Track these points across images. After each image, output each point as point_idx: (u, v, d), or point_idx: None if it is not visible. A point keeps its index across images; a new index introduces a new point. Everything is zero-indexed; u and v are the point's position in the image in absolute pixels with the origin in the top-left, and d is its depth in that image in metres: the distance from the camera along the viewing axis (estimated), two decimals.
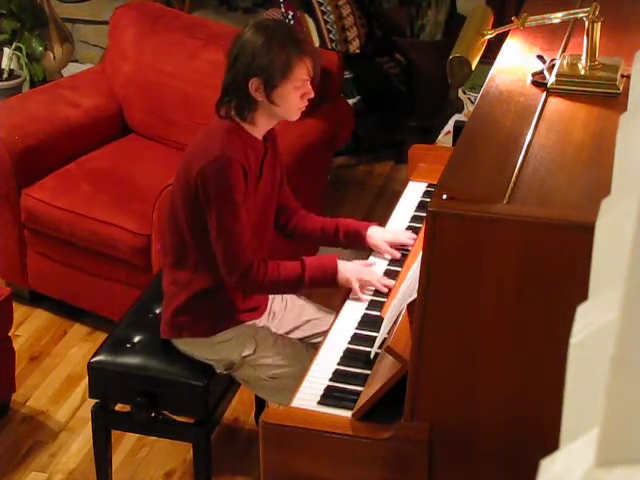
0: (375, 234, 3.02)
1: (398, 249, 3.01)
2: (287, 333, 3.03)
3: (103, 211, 3.82)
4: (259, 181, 2.85)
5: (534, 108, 2.45)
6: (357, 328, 2.75)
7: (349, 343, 2.69)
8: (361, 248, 3.06)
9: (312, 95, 2.81)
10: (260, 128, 2.83)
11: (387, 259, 3.01)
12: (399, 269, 2.91)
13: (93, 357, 3.04)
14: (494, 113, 2.46)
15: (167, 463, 3.44)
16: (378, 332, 2.64)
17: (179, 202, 2.84)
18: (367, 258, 3.03)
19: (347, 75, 4.99)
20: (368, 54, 5.22)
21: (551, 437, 1.13)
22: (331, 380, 2.53)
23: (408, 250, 2.97)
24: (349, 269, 2.87)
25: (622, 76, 2.52)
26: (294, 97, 2.77)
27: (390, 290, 2.82)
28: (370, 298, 2.84)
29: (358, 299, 2.84)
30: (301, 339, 3.02)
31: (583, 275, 1.23)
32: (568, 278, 2.01)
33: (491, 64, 2.70)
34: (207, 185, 2.74)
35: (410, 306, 2.37)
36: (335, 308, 2.90)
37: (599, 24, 2.50)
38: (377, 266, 2.97)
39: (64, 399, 3.71)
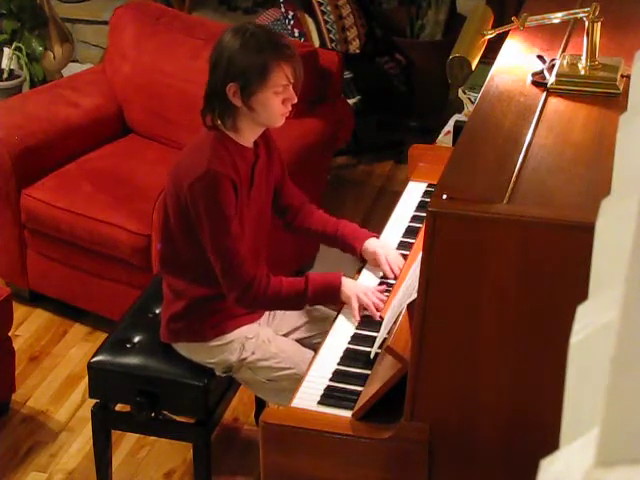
0: (371, 245, 2.95)
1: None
2: (287, 334, 3.02)
3: (103, 211, 3.82)
4: (251, 189, 2.82)
5: (534, 108, 2.45)
6: (357, 328, 2.75)
7: (349, 343, 2.69)
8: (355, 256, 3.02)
9: (295, 100, 2.75)
10: (246, 136, 2.79)
11: (379, 277, 2.95)
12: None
13: (93, 357, 3.04)
14: (494, 113, 2.46)
15: (167, 463, 3.44)
16: (378, 332, 2.64)
17: (172, 214, 2.82)
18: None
19: (347, 75, 4.99)
20: (368, 54, 5.22)
21: (551, 437, 1.13)
22: (331, 380, 2.53)
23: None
24: (352, 287, 2.82)
25: (622, 76, 2.52)
26: (275, 103, 2.71)
27: (385, 303, 2.77)
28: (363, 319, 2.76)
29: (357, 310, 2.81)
30: (302, 340, 3.02)
31: (583, 275, 1.23)
32: (568, 278, 2.01)
33: (491, 64, 2.70)
34: (197, 202, 2.71)
35: (410, 306, 2.37)
36: (335, 308, 2.90)
37: (599, 24, 2.50)
38: (373, 283, 2.90)
39: (64, 399, 3.71)
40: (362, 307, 2.79)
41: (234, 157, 2.75)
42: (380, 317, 2.74)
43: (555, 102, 2.50)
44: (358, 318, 2.76)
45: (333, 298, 2.85)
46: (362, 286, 2.85)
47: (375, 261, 2.95)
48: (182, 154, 2.86)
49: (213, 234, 2.72)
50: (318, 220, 3.06)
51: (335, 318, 2.82)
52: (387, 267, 2.92)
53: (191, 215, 2.74)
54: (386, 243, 3.02)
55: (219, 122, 2.76)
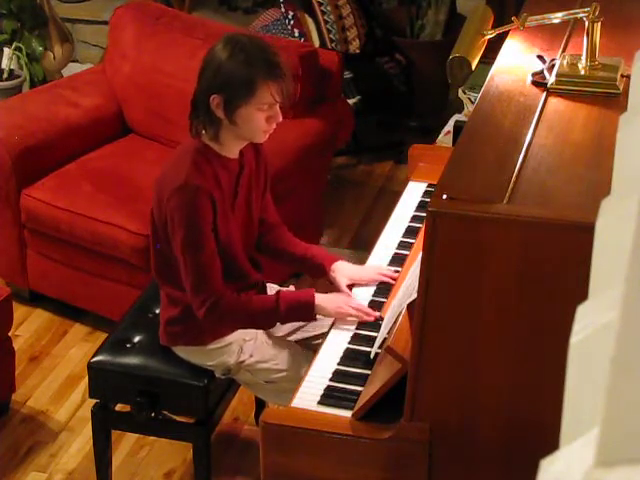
0: (339, 269, 2.93)
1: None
2: (287, 335, 3.02)
3: (103, 211, 3.82)
4: (235, 200, 2.79)
5: (534, 108, 2.45)
6: (357, 328, 2.75)
7: (349, 343, 2.69)
8: (325, 279, 2.99)
9: (280, 119, 2.69)
10: (229, 147, 2.75)
11: (371, 294, 2.91)
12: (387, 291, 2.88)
13: (93, 357, 3.04)
14: (494, 113, 2.46)
15: (167, 463, 3.44)
16: (378, 332, 2.64)
17: (158, 223, 2.79)
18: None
19: (347, 75, 4.99)
20: (368, 54, 5.22)
21: (551, 437, 1.13)
22: (331, 380, 2.53)
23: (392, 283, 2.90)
24: (327, 302, 2.79)
25: (622, 76, 2.52)
26: (258, 119, 2.66)
27: (374, 317, 2.75)
28: (354, 327, 2.73)
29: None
30: (302, 340, 3.01)
31: (583, 275, 1.23)
32: (568, 278, 2.01)
33: (491, 64, 2.70)
34: (173, 214, 2.68)
35: (410, 306, 2.37)
36: None
37: (599, 24, 2.50)
38: (361, 295, 2.88)
39: (64, 399, 3.71)
40: (346, 318, 2.74)
41: (216, 169, 2.72)
42: (380, 317, 2.74)
43: (555, 102, 2.50)
44: (361, 317, 2.73)
45: (308, 315, 2.81)
46: (340, 297, 2.82)
47: (338, 283, 2.91)
48: (166, 163, 2.83)
49: (185, 248, 2.69)
50: (288, 242, 3.02)
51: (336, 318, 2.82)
52: (346, 291, 2.89)
53: (168, 226, 2.73)
54: (357, 267, 2.97)
55: (203, 132, 2.72)
